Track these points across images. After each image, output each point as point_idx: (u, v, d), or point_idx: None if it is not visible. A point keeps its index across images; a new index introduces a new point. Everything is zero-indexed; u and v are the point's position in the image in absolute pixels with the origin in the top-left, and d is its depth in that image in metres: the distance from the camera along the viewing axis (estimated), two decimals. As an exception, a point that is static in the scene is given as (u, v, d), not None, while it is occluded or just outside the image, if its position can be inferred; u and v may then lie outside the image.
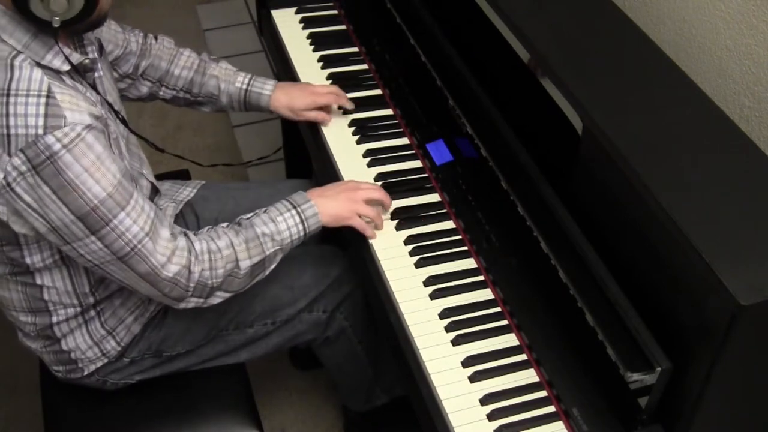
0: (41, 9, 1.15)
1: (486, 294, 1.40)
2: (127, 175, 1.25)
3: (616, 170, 1.17)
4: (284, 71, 1.87)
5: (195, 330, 1.52)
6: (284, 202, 1.43)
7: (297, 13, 1.97)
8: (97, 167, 1.18)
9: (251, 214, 1.41)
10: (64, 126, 1.15)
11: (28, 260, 1.31)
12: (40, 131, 1.13)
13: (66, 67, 1.22)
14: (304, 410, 2.10)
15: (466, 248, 1.47)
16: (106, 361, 1.47)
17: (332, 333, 1.67)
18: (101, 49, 1.42)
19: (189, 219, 1.68)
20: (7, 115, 1.13)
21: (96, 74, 1.36)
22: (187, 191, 1.69)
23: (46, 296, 1.37)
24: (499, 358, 1.31)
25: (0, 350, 2.17)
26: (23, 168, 1.14)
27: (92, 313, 1.42)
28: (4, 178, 1.15)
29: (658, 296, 1.16)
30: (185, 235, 1.33)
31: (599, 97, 1.24)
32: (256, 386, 1.66)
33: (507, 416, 1.23)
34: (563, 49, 1.33)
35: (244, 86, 1.69)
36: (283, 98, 1.68)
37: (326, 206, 1.44)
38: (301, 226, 1.41)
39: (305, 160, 2.17)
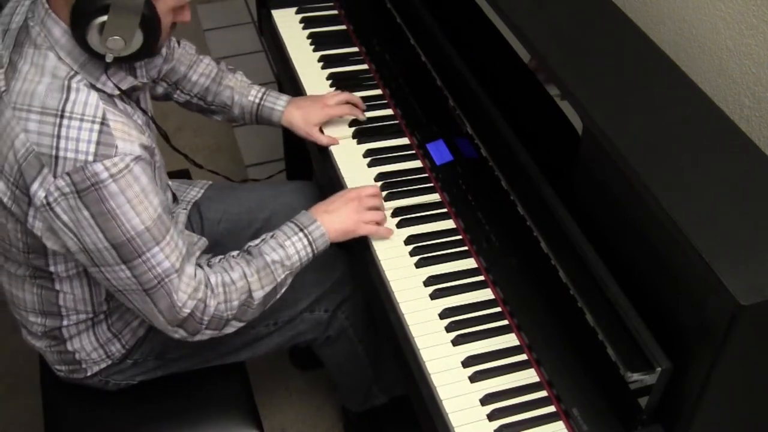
0: (97, 43, 1.15)
1: (486, 294, 1.40)
2: (167, 209, 1.25)
3: (616, 170, 1.17)
4: (284, 71, 1.88)
5: None
6: (290, 225, 1.42)
7: (297, 13, 1.97)
8: (140, 200, 1.19)
9: (259, 240, 1.40)
10: (115, 156, 1.15)
11: (51, 268, 1.32)
12: (90, 158, 1.14)
13: (117, 92, 1.23)
14: (304, 410, 2.10)
15: (466, 248, 1.47)
16: (109, 362, 1.47)
17: (333, 333, 1.67)
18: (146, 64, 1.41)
19: (194, 219, 1.69)
20: (59, 137, 1.14)
21: (141, 93, 1.36)
22: (194, 192, 1.70)
23: (61, 302, 1.37)
24: (499, 358, 1.31)
25: (0, 350, 2.17)
26: (66, 190, 1.15)
27: (101, 316, 1.42)
28: (46, 197, 1.15)
29: (658, 296, 1.16)
30: (200, 267, 1.33)
31: (599, 97, 1.24)
32: (256, 386, 1.66)
33: (507, 416, 1.23)
34: (563, 49, 1.33)
35: (257, 100, 1.68)
36: (295, 113, 1.67)
37: (332, 223, 1.43)
38: (309, 249, 1.41)
39: (305, 160, 2.17)
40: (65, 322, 1.40)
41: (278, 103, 1.68)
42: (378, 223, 1.47)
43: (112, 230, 1.18)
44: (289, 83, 1.86)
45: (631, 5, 1.64)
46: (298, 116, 1.66)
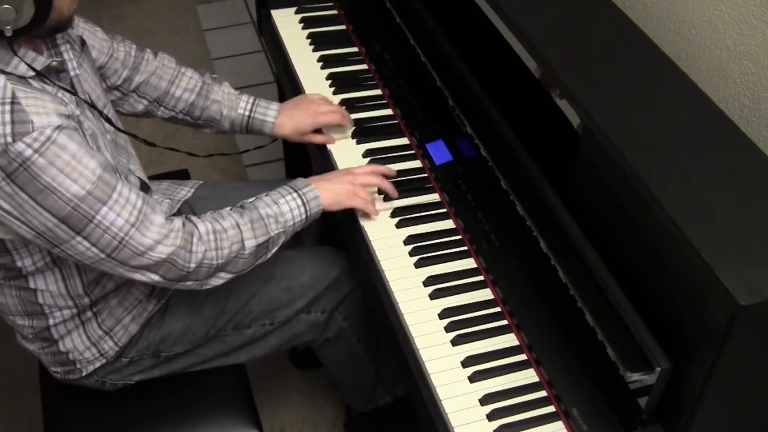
0: None
1: (486, 294, 1.40)
2: (108, 168, 1.22)
3: (616, 170, 1.17)
4: (284, 71, 1.88)
5: (193, 330, 1.52)
6: (285, 186, 1.45)
7: (297, 13, 1.97)
8: (73, 167, 1.16)
9: (253, 198, 1.42)
10: (33, 131, 1.13)
11: (19, 264, 1.31)
12: (9, 139, 1.12)
13: (31, 73, 1.21)
14: (304, 410, 2.10)
15: (466, 248, 1.47)
16: (104, 361, 1.47)
17: (331, 334, 1.67)
18: (83, 45, 1.40)
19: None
20: None
21: (72, 73, 1.34)
22: (184, 191, 1.69)
23: (40, 300, 1.37)
24: (499, 358, 1.31)
25: (0, 350, 2.17)
26: None
27: (89, 314, 1.42)
28: None
29: (658, 296, 1.16)
30: (188, 218, 1.33)
31: (599, 97, 1.24)
32: (256, 386, 1.66)
33: (507, 416, 1.23)
34: (563, 49, 1.33)
35: (247, 112, 1.67)
36: (287, 123, 1.66)
37: (326, 189, 1.46)
38: (303, 209, 1.42)
39: (304, 160, 2.17)
40: (51, 321, 1.40)
41: (269, 114, 1.67)
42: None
43: (53, 204, 1.16)
44: (288, 83, 1.86)
45: (631, 5, 1.64)
46: (290, 126, 1.66)
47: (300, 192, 1.43)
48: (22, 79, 1.19)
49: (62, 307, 1.39)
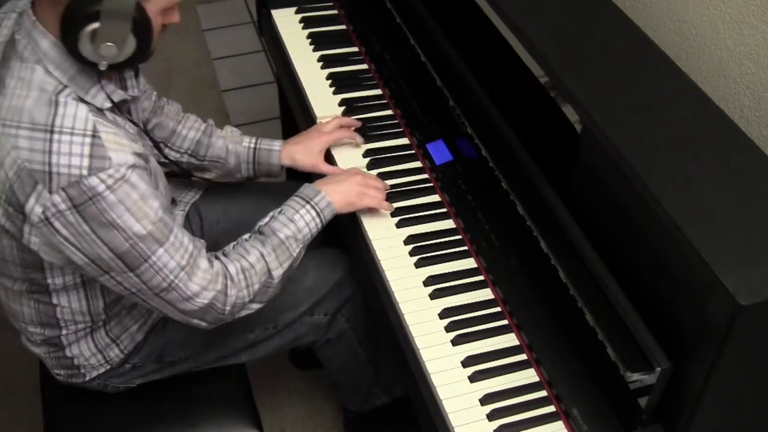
0: (90, 52, 1.13)
1: (486, 294, 1.40)
2: (167, 210, 1.24)
3: (616, 170, 1.17)
4: (284, 71, 1.88)
5: (196, 336, 1.51)
6: (296, 198, 1.44)
7: (297, 12, 1.97)
8: (140, 207, 1.17)
9: (268, 218, 1.41)
10: (109, 168, 1.13)
11: (49, 281, 1.31)
12: (84, 172, 1.12)
13: (108, 105, 1.21)
14: (304, 410, 2.10)
15: (466, 248, 1.47)
16: (108, 367, 1.47)
17: (333, 335, 1.67)
18: (136, 76, 1.38)
19: (193, 220, 1.68)
20: (50, 152, 1.12)
21: (131, 104, 1.35)
22: (192, 193, 1.69)
23: (58, 314, 1.37)
24: (499, 358, 1.31)
25: (0, 351, 2.17)
26: (63, 206, 1.13)
27: (99, 323, 1.42)
28: (43, 212, 1.14)
29: (658, 296, 1.16)
30: (218, 259, 1.33)
31: (599, 97, 1.24)
32: (256, 386, 1.66)
33: (507, 416, 1.23)
34: (563, 49, 1.33)
35: (252, 145, 1.65)
36: (295, 148, 1.63)
37: (336, 193, 1.46)
38: (318, 219, 1.43)
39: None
40: (64, 332, 1.40)
41: (274, 145, 1.64)
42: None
43: (113, 239, 1.17)
44: (288, 83, 1.86)
45: (631, 5, 1.64)
46: (300, 149, 1.63)
47: (312, 203, 1.42)
48: (98, 110, 1.19)
49: (78, 321, 1.39)
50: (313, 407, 2.11)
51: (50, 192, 1.12)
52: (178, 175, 1.67)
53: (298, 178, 2.29)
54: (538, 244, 1.38)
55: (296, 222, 1.40)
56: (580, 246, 1.26)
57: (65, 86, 1.16)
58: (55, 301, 1.35)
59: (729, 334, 1.01)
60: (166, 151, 1.62)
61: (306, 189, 1.45)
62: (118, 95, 1.24)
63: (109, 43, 1.13)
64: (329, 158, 1.64)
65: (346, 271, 1.62)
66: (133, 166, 1.16)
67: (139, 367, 1.50)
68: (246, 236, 1.39)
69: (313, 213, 1.42)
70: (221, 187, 1.75)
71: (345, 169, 1.55)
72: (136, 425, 1.51)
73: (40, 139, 1.12)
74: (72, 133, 1.13)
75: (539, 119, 1.46)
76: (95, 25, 1.11)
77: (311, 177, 2.10)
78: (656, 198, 1.08)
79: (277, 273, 1.37)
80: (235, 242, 1.39)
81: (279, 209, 1.42)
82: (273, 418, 2.08)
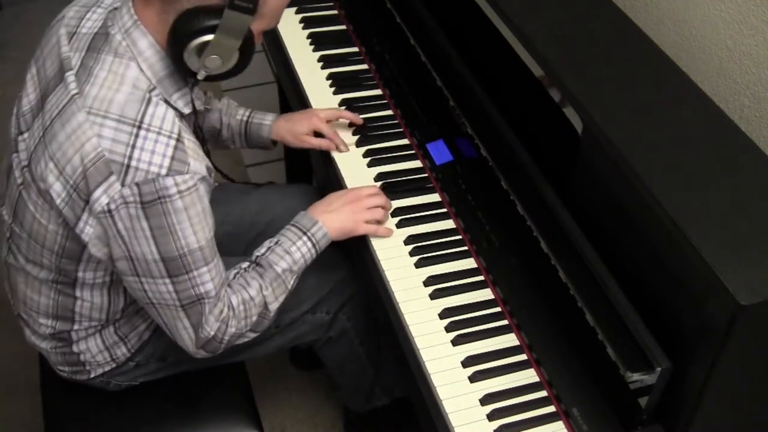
0: (194, 61, 1.17)
1: (486, 294, 1.40)
2: (215, 235, 1.26)
3: (616, 170, 1.17)
4: (284, 71, 1.88)
5: None
6: (292, 229, 1.43)
7: (297, 13, 1.97)
8: (200, 219, 1.19)
9: (265, 248, 1.41)
10: (186, 173, 1.16)
11: (79, 274, 1.31)
12: (164, 171, 1.14)
13: (187, 111, 1.24)
14: (304, 410, 2.10)
15: (466, 248, 1.47)
16: (114, 365, 1.47)
17: (334, 334, 1.67)
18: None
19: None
20: (134, 147, 1.14)
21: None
22: None
23: (77, 308, 1.37)
24: (499, 358, 1.31)
25: (0, 350, 2.17)
26: (131, 200, 1.15)
27: (110, 322, 1.42)
28: (108, 204, 1.15)
29: (658, 296, 1.16)
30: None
31: (599, 97, 1.24)
32: (256, 386, 1.66)
33: (507, 416, 1.23)
34: (563, 49, 1.33)
35: (245, 118, 1.67)
36: (283, 125, 1.66)
37: (332, 222, 1.44)
38: (313, 250, 1.43)
39: (305, 160, 2.17)
40: (76, 327, 1.40)
41: (266, 118, 1.67)
42: (379, 222, 1.48)
43: (166, 244, 1.18)
44: (289, 83, 1.86)
45: (631, 5, 1.64)
46: (285, 128, 1.66)
47: (309, 234, 1.42)
48: (180, 116, 1.22)
49: (93, 318, 1.39)
50: (313, 407, 2.11)
51: (122, 185, 1.14)
52: None
53: (298, 178, 2.29)
54: (538, 244, 1.38)
55: (293, 254, 1.40)
56: (580, 246, 1.26)
57: (155, 87, 1.19)
58: (78, 294, 1.35)
59: (729, 334, 1.01)
60: None
61: (303, 218, 1.44)
62: (199, 103, 1.27)
63: (215, 56, 1.17)
64: (329, 159, 1.64)
65: (347, 270, 1.63)
66: (204, 179, 1.19)
67: (142, 365, 1.50)
68: (244, 265, 1.39)
69: (309, 245, 1.42)
70: (224, 190, 1.75)
71: (344, 192, 1.51)
72: (136, 424, 1.51)
73: (126, 132, 1.14)
74: (159, 133, 1.15)
75: (539, 119, 1.46)
76: (208, 37, 1.15)
77: (311, 175, 2.10)
78: (656, 198, 1.08)
79: (273, 306, 1.38)
80: (235, 271, 1.39)
81: (276, 239, 1.42)
82: (273, 418, 2.08)
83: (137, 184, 1.14)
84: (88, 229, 1.20)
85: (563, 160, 1.35)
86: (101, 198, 1.15)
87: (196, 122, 1.37)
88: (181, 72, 1.21)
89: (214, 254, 1.25)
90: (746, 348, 1.06)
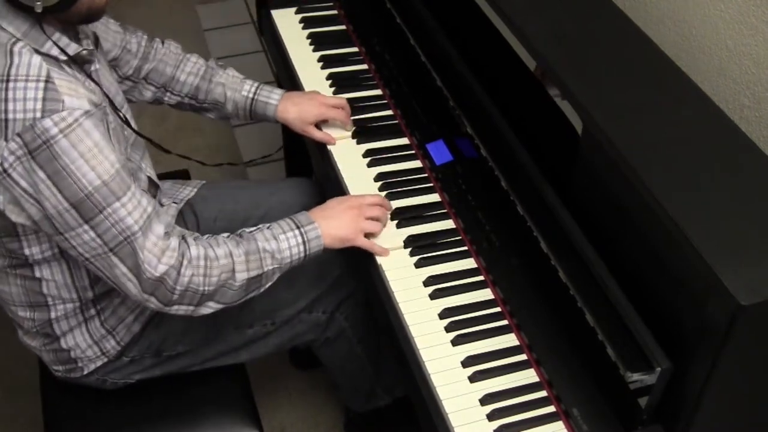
0: None
1: (486, 294, 1.40)
2: (126, 167, 1.24)
3: (616, 170, 1.17)
4: (284, 71, 1.88)
5: (194, 330, 1.52)
6: (288, 220, 1.41)
7: (297, 13, 1.97)
8: (94, 154, 1.18)
9: (254, 228, 1.39)
10: (62, 110, 1.15)
11: (27, 251, 1.31)
12: (38, 114, 1.14)
13: (63, 57, 1.22)
14: (304, 410, 2.10)
15: (466, 248, 1.47)
16: (105, 360, 1.47)
17: (332, 333, 1.67)
18: (96, 43, 1.40)
19: (188, 218, 1.68)
20: (6, 100, 1.14)
21: (93, 67, 1.35)
22: (187, 190, 1.69)
23: (45, 290, 1.37)
24: (499, 358, 1.31)
25: (0, 350, 2.17)
26: (19, 152, 1.15)
27: (92, 311, 1.42)
28: (1, 164, 1.16)
29: (658, 296, 1.16)
30: (183, 238, 1.32)
31: (599, 97, 1.24)
32: (256, 386, 1.66)
33: (507, 416, 1.23)
34: (563, 49, 1.33)
35: (251, 95, 1.66)
36: (291, 108, 1.65)
37: (329, 228, 1.41)
38: (302, 248, 1.39)
39: (305, 159, 2.17)
40: (53, 314, 1.40)
41: (272, 97, 1.66)
42: (373, 234, 1.46)
43: (68, 187, 1.17)
44: (288, 83, 1.86)
45: (631, 5, 1.64)
46: (294, 112, 1.65)
47: (302, 229, 1.39)
48: (56, 62, 1.21)
49: (66, 299, 1.39)
50: (313, 407, 2.11)
51: (6, 140, 1.14)
52: (174, 176, 1.67)
53: (298, 172, 2.29)
54: (538, 244, 1.38)
55: (279, 241, 1.37)
56: (580, 246, 1.26)
57: (19, 39, 1.18)
58: (38, 274, 1.35)
59: (729, 334, 1.01)
60: (168, 95, 1.66)
61: (301, 215, 1.42)
62: (74, 48, 1.25)
63: None
64: (328, 159, 1.64)
65: (344, 269, 1.62)
66: (87, 113, 1.18)
67: (137, 360, 1.50)
68: (225, 234, 1.38)
69: (299, 239, 1.39)
70: (217, 185, 1.75)
71: (346, 198, 1.48)
72: (135, 425, 1.51)
73: None
74: (27, 80, 1.15)
75: (539, 119, 1.46)
76: None
77: (311, 174, 2.10)
78: (656, 198, 1.08)
79: (241, 276, 1.34)
80: (210, 235, 1.37)
81: (268, 225, 1.40)
82: (273, 418, 2.08)
83: (19, 135, 1.14)
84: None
85: (563, 160, 1.35)
86: None
87: (94, 73, 1.34)
88: (21, 11, 1.18)
89: (125, 188, 1.22)
90: (746, 348, 1.06)
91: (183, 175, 1.89)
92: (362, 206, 1.45)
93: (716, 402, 1.12)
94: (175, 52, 1.66)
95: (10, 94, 1.14)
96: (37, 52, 1.19)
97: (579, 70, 1.29)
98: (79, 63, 1.28)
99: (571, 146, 1.30)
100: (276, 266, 1.38)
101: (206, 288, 1.31)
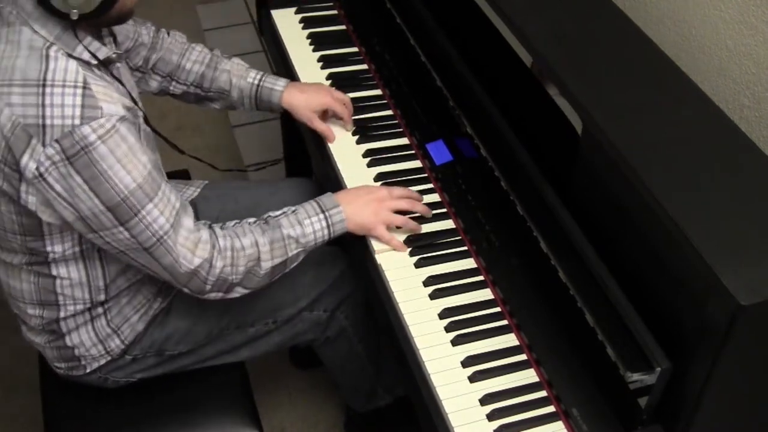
0: (59, 1, 1.16)
1: (486, 294, 1.40)
2: (156, 165, 1.26)
3: (616, 170, 1.17)
4: (284, 71, 1.87)
5: (197, 329, 1.52)
6: (313, 204, 1.42)
7: (297, 13, 1.97)
8: (129, 159, 1.20)
9: (279, 212, 1.41)
10: (101, 117, 1.16)
11: (49, 248, 1.32)
12: (77, 121, 1.15)
13: (94, 61, 1.24)
14: (304, 410, 2.10)
15: (466, 248, 1.47)
16: (109, 359, 1.47)
17: (332, 333, 1.67)
18: (115, 39, 1.41)
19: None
20: (43, 105, 1.15)
21: (115, 66, 1.36)
22: (191, 190, 1.70)
23: (58, 288, 1.37)
24: (499, 358, 1.31)
25: (0, 350, 2.17)
26: (57, 158, 1.16)
27: (99, 310, 1.42)
28: (37, 168, 1.16)
29: (658, 296, 1.16)
30: (210, 228, 1.34)
31: (599, 97, 1.24)
32: (256, 386, 1.66)
33: (507, 416, 1.23)
34: (563, 49, 1.33)
35: (256, 82, 1.67)
36: (297, 95, 1.65)
37: (354, 213, 1.43)
38: (326, 231, 1.42)
39: (305, 159, 2.17)
40: (62, 313, 1.40)
41: (278, 84, 1.67)
42: (399, 227, 1.46)
43: (105, 192, 1.19)
44: (288, 83, 1.86)
45: (631, 5, 1.64)
46: (300, 99, 1.65)
47: (327, 213, 1.41)
48: (87, 65, 1.22)
49: (77, 299, 1.39)
50: (313, 407, 2.11)
51: (44, 145, 1.15)
52: (174, 176, 1.68)
53: (298, 173, 2.29)
54: (538, 244, 1.38)
55: (304, 226, 1.39)
56: (580, 246, 1.26)
57: (53, 43, 1.19)
58: (54, 272, 1.35)
59: (729, 334, 1.01)
60: (173, 84, 1.67)
61: (326, 198, 1.44)
62: (103, 52, 1.26)
63: None
64: (328, 159, 1.64)
65: (345, 268, 1.63)
66: (123, 118, 1.19)
67: (139, 359, 1.50)
68: (251, 220, 1.39)
69: (324, 224, 1.41)
70: (219, 186, 1.75)
71: (377, 188, 1.49)
72: (135, 424, 1.51)
73: (32, 94, 1.15)
74: (64, 86, 1.16)
75: (539, 119, 1.46)
76: None
77: (311, 176, 2.10)
78: (656, 198, 1.08)
79: (266, 264, 1.36)
80: (237, 221, 1.39)
81: (293, 208, 1.41)
82: (273, 418, 2.08)
83: (57, 141, 1.15)
84: (31, 199, 1.22)
85: (563, 160, 1.35)
86: (29, 164, 1.17)
87: (117, 73, 1.35)
88: (54, 16, 1.19)
89: (157, 187, 1.25)
90: (746, 348, 1.06)
91: (183, 175, 1.89)
92: (388, 198, 1.46)
93: (716, 402, 1.12)
94: (181, 42, 1.67)
95: (48, 100, 1.15)
96: (70, 56, 1.20)
97: (579, 70, 1.29)
98: (106, 65, 1.30)
99: (571, 146, 1.30)
100: (300, 249, 1.40)
101: (234, 277, 1.34)
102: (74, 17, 1.17)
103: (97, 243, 1.27)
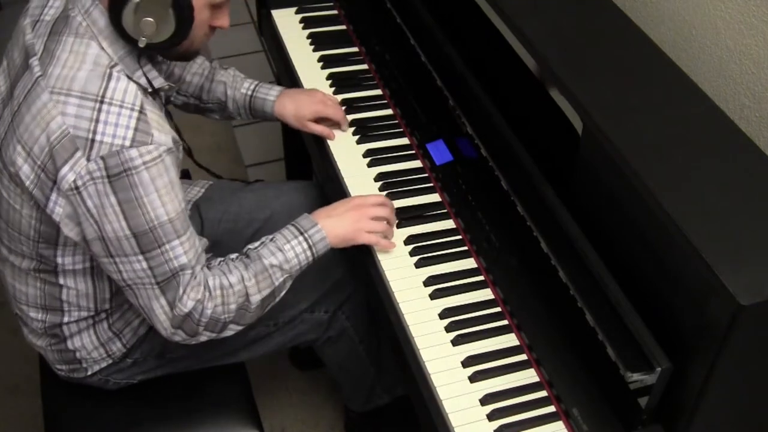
0: (131, 26, 1.17)
1: (486, 294, 1.40)
2: (187, 209, 1.26)
3: (616, 170, 1.17)
4: (284, 71, 1.88)
5: None
6: (291, 228, 1.41)
7: (297, 13, 1.97)
8: (168, 191, 1.20)
9: (258, 243, 1.39)
10: (150, 144, 1.17)
11: (59, 260, 1.31)
12: (127, 143, 1.15)
13: (150, 88, 1.24)
14: (304, 410, 2.10)
15: (466, 248, 1.47)
16: (110, 362, 1.47)
17: (334, 333, 1.67)
18: (171, 74, 1.42)
19: (193, 219, 1.68)
20: (97, 120, 1.15)
21: (165, 96, 1.38)
22: (195, 190, 1.70)
23: (64, 296, 1.37)
24: (499, 358, 1.31)
25: (0, 350, 2.17)
26: (97, 174, 1.15)
27: (102, 315, 1.42)
28: (75, 180, 1.16)
29: (658, 296, 1.16)
30: (201, 269, 1.33)
31: (599, 97, 1.24)
32: (256, 386, 1.66)
33: (507, 416, 1.23)
34: (563, 49, 1.33)
35: (249, 92, 1.68)
36: (289, 105, 1.66)
37: (333, 228, 1.42)
38: (309, 252, 1.41)
39: (305, 160, 2.17)
40: (66, 319, 1.40)
41: (270, 93, 1.67)
42: (385, 235, 1.46)
43: (136, 218, 1.19)
44: (288, 83, 1.86)
45: (631, 5, 1.64)
46: (291, 108, 1.66)
47: (306, 234, 1.40)
48: (143, 91, 1.23)
49: (82, 307, 1.39)
50: (313, 407, 2.11)
51: (88, 159, 1.15)
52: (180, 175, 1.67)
53: (298, 178, 2.29)
54: (538, 244, 1.38)
55: (285, 252, 1.38)
56: (580, 246, 1.26)
57: (116, 63, 1.20)
58: (61, 281, 1.35)
59: (729, 334, 1.01)
60: (174, 95, 1.68)
61: (303, 220, 1.43)
62: (159, 81, 1.27)
63: (149, 19, 1.17)
64: (328, 159, 1.64)
65: (346, 269, 1.63)
66: (170, 150, 1.20)
67: (140, 362, 1.50)
68: (233, 256, 1.39)
69: (305, 245, 1.40)
70: (222, 187, 1.75)
71: (351, 198, 1.49)
72: (136, 424, 1.51)
73: (88, 108, 1.16)
74: (121, 106, 1.17)
75: (539, 119, 1.46)
76: None
77: (311, 175, 2.10)
78: (656, 198, 1.08)
79: (255, 299, 1.35)
80: (221, 259, 1.38)
81: (272, 236, 1.40)
82: (273, 418, 2.08)
83: (102, 158, 1.15)
84: (58, 209, 1.21)
85: (563, 160, 1.35)
86: (68, 175, 1.16)
87: (166, 99, 1.37)
88: (130, 47, 1.21)
89: (186, 228, 1.25)
90: (746, 348, 1.06)
91: (183, 175, 1.89)
92: (365, 206, 1.45)
93: (716, 402, 1.12)
94: None
95: (102, 116, 1.15)
96: (129, 78, 1.20)
97: (579, 70, 1.29)
98: (160, 96, 1.30)
99: (571, 146, 1.30)
100: (286, 276, 1.39)
101: (227, 315, 1.33)
102: (141, 44, 1.19)
103: (107, 269, 1.26)
